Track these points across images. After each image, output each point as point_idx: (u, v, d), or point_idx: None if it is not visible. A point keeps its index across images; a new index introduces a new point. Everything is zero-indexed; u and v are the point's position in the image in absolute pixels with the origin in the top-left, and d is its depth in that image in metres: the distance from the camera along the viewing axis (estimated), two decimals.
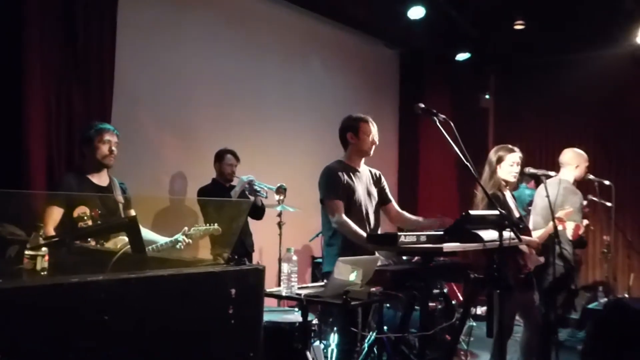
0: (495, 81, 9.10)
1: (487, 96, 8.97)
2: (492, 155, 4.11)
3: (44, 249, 2.01)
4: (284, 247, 5.43)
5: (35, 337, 1.36)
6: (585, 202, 4.89)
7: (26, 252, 1.99)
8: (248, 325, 1.80)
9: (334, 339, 4.18)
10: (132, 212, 3.71)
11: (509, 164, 4.07)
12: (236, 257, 1.84)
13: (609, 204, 5.41)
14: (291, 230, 5.64)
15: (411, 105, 7.83)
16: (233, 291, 1.74)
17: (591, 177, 4.91)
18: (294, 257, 2.86)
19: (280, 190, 5.06)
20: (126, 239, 3.39)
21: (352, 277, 2.80)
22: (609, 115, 7.87)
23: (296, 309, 3.66)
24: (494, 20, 7.28)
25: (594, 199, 5.38)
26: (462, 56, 7.57)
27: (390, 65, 8.01)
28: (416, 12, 6.46)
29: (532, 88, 8.47)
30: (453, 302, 5.34)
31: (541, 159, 7.64)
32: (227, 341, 1.75)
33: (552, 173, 4.34)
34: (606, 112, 7.88)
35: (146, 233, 3.30)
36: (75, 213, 3.27)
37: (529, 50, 7.92)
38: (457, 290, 6.01)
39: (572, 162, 4.82)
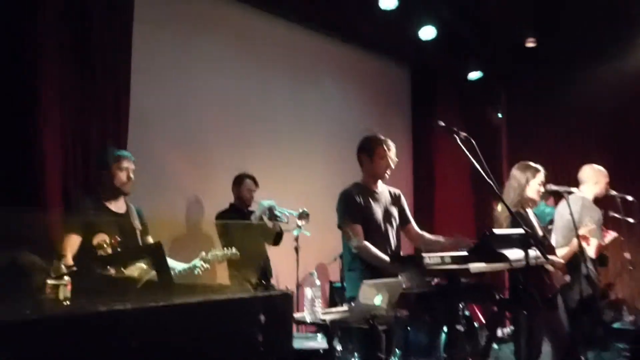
0: (507, 98, 9.04)
1: (499, 115, 8.92)
2: (519, 174, 4.02)
3: (66, 277, 1.96)
4: (301, 272, 5.37)
5: None
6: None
7: (49, 281, 1.95)
8: (278, 353, 1.74)
9: None
10: (150, 239, 3.67)
11: (537, 183, 4.00)
12: (263, 282, 1.78)
13: (631, 220, 5.30)
14: (307, 254, 5.57)
15: (424, 124, 7.90)
16: (262, 317, 1.68)
17: (613, 193, 4.81)
18: (318, 282, 2.80)
19: (303, 215, 4.96)
20: (144, 266, 3.37)
21: (377, 300, 2.73)
22: (625, 128, 7.77)
23: (318, 335, 3.58)
24: (505, 38, 7.26)
25: (616, 215, 5.28)
26: (474, 75, 7.54)
27: (402, 83, 8.00)
28: (427, 33, 6.45)
29: (544, 104, 8.39)
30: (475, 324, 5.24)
31: (556, 176, 7.51)
32: None
33: (573, 189, 4.27)
34: (621, 125, 7.78)
35: None
36: (95, 241, 3.24)
37: (540, 67, 7.88)
38: (478, 312, 5.90)
39: (591, 179, 4.74)
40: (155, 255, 1.91)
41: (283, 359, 1.76)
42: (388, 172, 3.69)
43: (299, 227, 5.13)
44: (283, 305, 1.75)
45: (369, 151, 3.67)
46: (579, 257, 4.19)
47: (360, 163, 3.74)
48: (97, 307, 1.39)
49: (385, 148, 3.66)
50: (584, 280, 4.28)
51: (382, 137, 3.71)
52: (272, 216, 4.88)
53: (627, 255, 5.49)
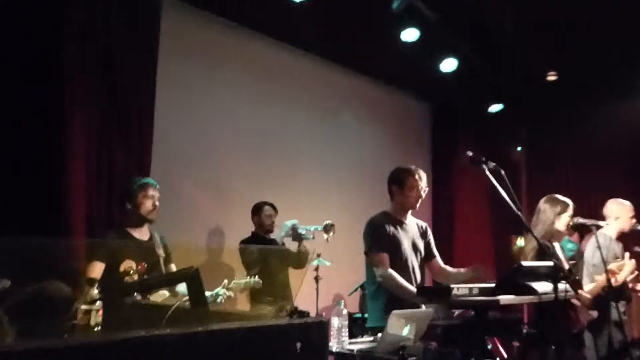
0: (527, 133, 9.01)
1: (519, 148, 8.89)
2: (550, 207, 3.99)
3: (98, 303, 1.95)
4: (320, 303, 5.32)
5: None
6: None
7: (82, 306, 1.94)
8: None
9: None
10: (173, 267, 3.66)
11: (567, 216, 3.96)
12: (299, 309, 1.76)
13: None
14: (326, 285, 5.53)
15: (444, 159, 7.88)
16: (298, 345, 1.65)
17: (639, 227, 4.74)
18: (345, 311, 2.77)
19: (328, 227, 4.86)
20: (167, 293, 3.35)
21: (406, 331, 2.69)
22: None
23: None
24: (526, 72, 7.27)
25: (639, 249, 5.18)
26: (495, 108, 7.54)
27: (422, 118, 8.03)
28: (448, 65, 6.46)
29: (565, 139, 8.34)
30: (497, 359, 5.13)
31: (576, 211, 7.45)
32: None
33: (602, 223, 4.22)
34: None
35: (184, 288, 3.25)
36: (122, 268, 3.23)
37: (561, 103, 7.85)
38: (499, 346, 5.78)
39: (612, 213, 4.69)
40: (193, 281, 1.89)
41: None
42: (419, 202, 3.68)
43: (319, 255, 5.08)
44: (319, 333, 1.72)
45: (400, 182, 3.66)
46: (607, 296, 4.11)
47: (391, 193, 3.72)
48: (137, 332, 1.37)
49: (417, 178, 3.65)
50: (613, 324, 4.19)
51: (413, 168, 3.71)
52: (296, 235, 4.85)
53: None
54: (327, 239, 4.94)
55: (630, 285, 4.82)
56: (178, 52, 5.06)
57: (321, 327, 1.74)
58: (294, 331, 1.67)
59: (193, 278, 1.90)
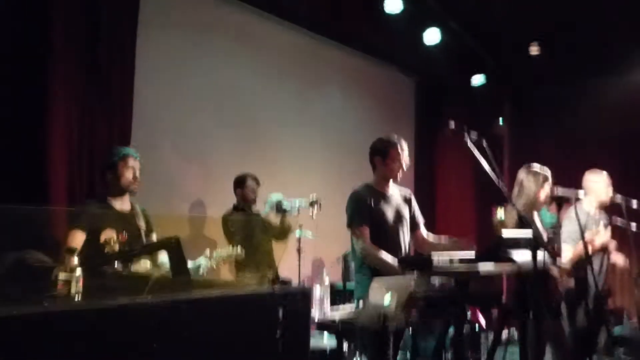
0: (510, 108, 9.05)
1: (501, 122, 8.93)
2: (532, 178, 4.01)
3: (78, 272, 1.93)
4: (303, 274, 5.34)
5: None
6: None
7: (60, 276, 1.92)
8: (296, 349, 1.72)
9: None
10: (154, 238, 3.64)
11: (549, 186, 4.00)
12: (281, 278, 1.76)
13: (634, 225, 5.28)
14: (309, 255, 5.55)
15: (427, 131, 7.89)
16: (280, 313, 1.66)
17: (618, 198, 4.79)
18: (327, 281, 2.79)
19: (314, 203, 4.77)
20: (148, 263, 3.34)
21: (387, 300, 2.71)
22: (629, 137, 7.78)
23: (325, 333, 3.56)
24: (510, 46, 7.27)
25: (619, 220, 5.25)
26: (477, 79, 7.53)
27: (406, 91, 8.01)
28: (432, 36, 6.43)
29: (548, 113, 8.41)
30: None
31: (557, 184, 7.51)
32: None
33: (581, 193, 4.26)
34: (625, 134, 7.79)
35: (166, 259, 3.24)
36: (102, 238, 3.21)
37: (544, 77, 7.89)
38: (479, 315, 5.87)
39: (588, 184, 4.75)
40: (174, 250, 1.89)
41: (301, 355, 1.73)
42: (400, 173, 3.68)
43: (301, 227, 5.08)
44: (301, 302, 1.73)
45: (382, 153, 3.66)
46: (585, 264, 4.17)
47: (373, 164, 3.72)
48: (118, 300, 1.37)
49: (399, 149, 3.64)
50: (591, 297, 4.27)
51: (396, 138, 3.70)
52: (281, 210, 4.84)
53: (627, 264, 5.45)
54: (312, 215, 4.93)
55: (612, 258, 4.91)
56: (159, 22, 4.98)
57: (303, 295, 1.75)
58: (277, 299, 1.68)
59: (174, 247, 1.89)
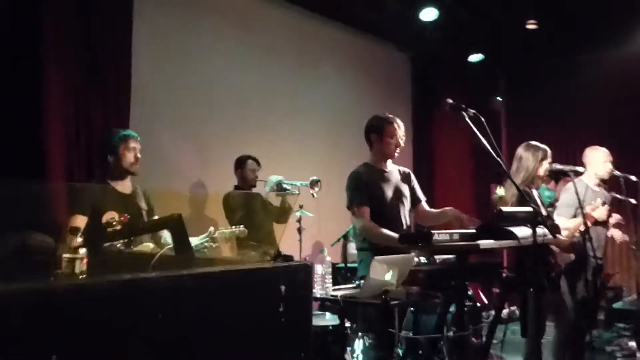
0: (507, 83, 9.05)
1: (498, 98, 8.94)
2: (531, 154, 4.02)
3: (82, 251, 1.94)
4: (303, 254, 5.37)
5: (89, 336, 1.30)
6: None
7: (64, 255, 1.93)
8: (298, 324, 1.73)
9: (359, 344, 4.09)
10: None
11: (548, 162, 4.01)
12: (283, 253, 1.77)
13: (633, 201, 5.31)
14: (309, 235, 5.57)
15: (423, 108, 7.88)
16: (283, 288, 1.67)
17: (617, 173, 4.81)
18: (328, 258, 2.81)
19: (314, 183, 4.84)
20: (151, 245, 3.36)
21: (388, 277, 2.74)
22: (625, 114, 7.79)
23: (327, 313, 3.59)
24: (506, 21, 7.23)
25: (618, 196, 5.28)
26: (475, 57, 7.52)
27: (402, 68, 7.99)
28: (428, 14, 6.41)
29: (544, 89, 8.41)
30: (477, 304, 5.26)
31: (555, 160, 7.53)
32: (279, 340, 1.68)
33: (580, 169, 4.27)
34: (621, 111, 7.80)
35: (168, 237, 3.25)
36: (104, 219, 3.21)
37: (540, 51, 7.86)
38: (480, 293, 5.92)
39: (587, 160, 4.77)
40: (176, 228, 1.89)
41: (304, 330, 1.75)
42: (397, 150, 3.68)
43: (301, 207, 5.10)
44: (303, 277, 1.74)
45: (378, 130, 3.66)
46: (585, 241, 4.20)
47: (369, 142, 3.72)
48: (122, 276, 1.38)
49: (395, 127, 3.65)
50: (590, 270, 4.30)
51: (391, 116, 3.70)
52: (281, 190, 4.86)
53: (626, 237, 5.49)
54: (312, 194, 4.94)
55: (609, 233, 4.94)
56: (155, 4, 4.96)
57: (305, 271, 1.76)
58: (279, 274, 1.69)
59: (176, 224, 1.90)
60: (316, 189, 4.83)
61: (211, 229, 3.36)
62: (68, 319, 1.28)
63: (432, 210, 3.84)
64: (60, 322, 1.26)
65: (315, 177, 4.85)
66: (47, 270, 2.04)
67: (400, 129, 3.68)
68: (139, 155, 3.53)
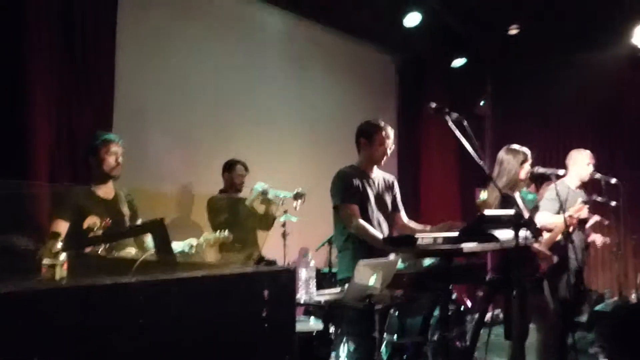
0: (492, 87, 9.11)
1: (482, 102, 9.00)
2: (512, 157, 4.05)
3: (62, 257, 1.93)
4: (288, 258, 5.35)
5: (69, 341, 1.28)
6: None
7: (44, 260, 1.91)
8: (282, 329, 1.73)
9: (343, 349, 4.08)
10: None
11: (528, 165, 4.05)
12: (266, 258, 1.77)
13: (614, 203, 5.37)
14: (293, 240, 5.56)
15: (409, 112, 7.90)
16: (266, 293, 1.67)
17: (598, 175, 4.87)
18: (312, 263, 2.80)
19: (299, 196, 4.85)
20: (133, 251, 3.33)
21: (372, 280, 2.74)
22: (608, 117, 7.88)
23: (311, 318, 3.58)
24: (489, 26, 7.29)
25: (599, 198, 5.34)
26: (458, 62, 7.57)
27: (388, 72, 8.00)
28: (412, 19, 6.44)
29: (529, 92, 8.49)
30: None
31: (539, 163, 7.60)
32: (262, 345, 1.67)
33: (561, 172, 4.32)
34: (605, 114, 7.89)
35: (151, 242, 3.24)
36: (86, 224, 3.19)
37: (524, 55, 7.93)
38: (464, 296, 5.95)
39: (570, 161, 4.83)
40: (158, 232, 1.88)
41: (287, 336, 1.75)
42: (385, 158, 3.70)
43: (286, 211, 5.11)
44: (286, 281, 1.74)
45: (369, 136, 3.67)
46: (567, 243, 4.25)
47: (358, 147, 3.74)
48: (102, 280, 1.37)
49: (385, 135, 3.66)
50: (572, 272, 4.35)
51: (383, 123, 3.72)
52: (266, 200, 4.86)
53: (607, 240, 5.56)
54: (295, 206, 4.95)
55: (590, 238, 5.00)
56: (139, 3, 4.93)
57: (288, 275, 1.75)
58: (262, 279, 1.68)
59: (158, 228, 1.89)
60: (299, 201, 4.84)
61: (193, 242, 3.33)
62: (48, 322, 1.27)
63: (410, 223, 3.83)
64: (41, 326, 1.25)
65: (300, 190, 4.85)
66: (27, 275, 2.02)
67: (390, 137, 3.70)
68: (120, 159, 3.50)
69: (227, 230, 3.59)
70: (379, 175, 3.77)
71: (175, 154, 5.23)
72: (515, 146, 4.14)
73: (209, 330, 1.55)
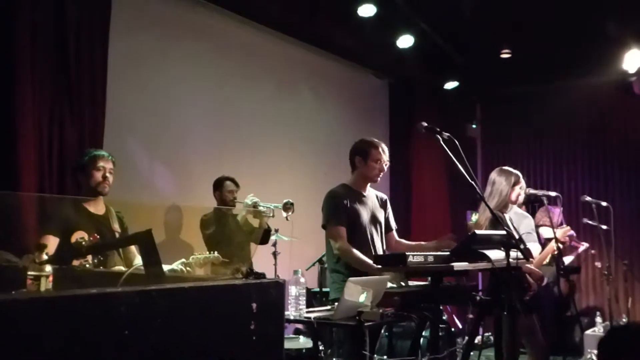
0: (482, 110, 9.19)
1: (474, 125, 9.06)
2: (504, 179, 4.08)
3: (48, 269, 1.90)
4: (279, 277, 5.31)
5: (53, 351, 1.26)
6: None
7: (30, 272, 1.89)
8: (270, 343, 1.70)
9: None
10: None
11: (519, 187, 4.07)
12: (255, 271, 1.75)
13: (604, 227, 5.39)
14: (284, 259, 5.52)
15: (401, 134, 7.94)
16: (254, 305, 1.65)
17: (589, 199, 4.90)
18: (302, 279, 2.78)
19: (288, 206, 4.84)
20: (122, 268, 3.30)
21: (362, 298, 2.72)
22: (598, 140, 7.95)
23: (300, 337, 3.55)
24: (481, 49, 7.37)
25: (590, 222, 5.36)
26: (450, 85, 7.64)
27: (380, 94, 8.05)
28: (405, 41, 6.50)
29: (519, 116, 8.56)
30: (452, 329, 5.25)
31: (529, 186, 7.64)
32: (250, 359, 1.65)
33: (552, 193, 4.34)
34: (593, 138, 7.96)
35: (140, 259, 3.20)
36: (73, 238, 3.16)
37: (515, 79, 8.01)
38: (455, 318, 5.92)
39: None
40: (145, 243, 1.86)
41: (276, 349, 1.72)
42: (381, 175, 3.70)
43: (277, 231, 5.08)
44: (275, 294, 1.72)
45: (364, 153, 3.67)
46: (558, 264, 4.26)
47: (352, 165, 3.74)
48: (87, 291, 1.35)
49: (381, 151, 3.67)
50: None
51: (377, 141, 3.73)
52: (257, 213, 4.84)
53: (598, 264, 5.57)
54: (286, 217, 4.92)
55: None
56: (131, 23, 4.94)
57: (277, 288, 1.74)
58: (250, 291, 1.66)
59: (146, 240, 1.87)
60: (290, 212, 4.82)
61: (182, 260, 3.30)
62: (31, 332, 1.24)
63: (402, 241, 3.84)
64: (23, 336, 1.23)
65: (288, 200, 4.84)
66: (12, 288, 1.99)
67: (385, 154, 3.70)
68: (107, 174, 3.47)
69: (216, 252, 3.56)
70: (371, 194, 3.77)
71: (166, 173, 5.22)
72: (508, 168, 4.18)
73: (195, 342, 1.52)
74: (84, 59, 4.34)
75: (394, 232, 3.88)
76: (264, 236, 5.01)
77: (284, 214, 4.85)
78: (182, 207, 5.33)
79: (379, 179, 3.72)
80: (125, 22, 4.77)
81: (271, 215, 4.89)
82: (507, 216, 4.17)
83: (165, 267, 3.48)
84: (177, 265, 3.60)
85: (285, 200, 4.84)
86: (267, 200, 4.98)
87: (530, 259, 3.91)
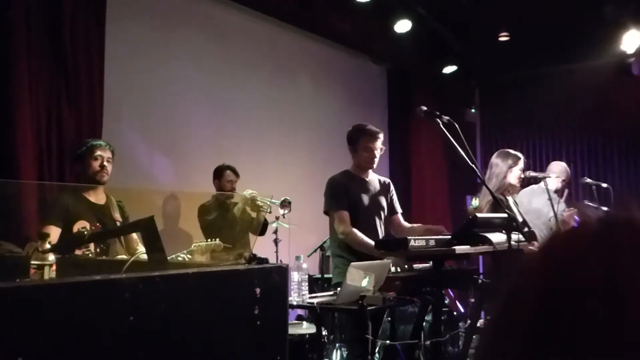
0: (481, 94, 9.16)
1: (472, 110, 9.03)
2: (502, 161, 4.07)
3: (51, 258, 1.90)
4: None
5: (57, 338, 1.26)
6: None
7: (33, 261, 1.89)
8: (274, 327, 1.71)
9: (336, 355, 4.06)
10: (134, 234, 3.59)
11: (519, 169, 4.05)
12: (257, 256, 1.75)
13: (605, 209, 5.38)
14: (285, 246, 5.53)
15: (399, 119, 7.92)
16: (258, 290, 1.65)
17: (589, 181, 4.89)
18: (304, 265, 2.78)
19: (285, 204, 4.87)
20: (124, 257, 3.30)
21: (365, 283, 2.72)
22: (598, 123, 7.94)
23: (304, 323, 3.56)
24: (479, 34, 7.33)
25: (591, 204, 5.36)
26: (449, 69, 7.61)
27: (378, 80, 8.02)
28: (402, 26, 6.47)
29: (518, 100, 8.52)
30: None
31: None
32: (254, 343, 1.65)
33: (551, 175, 4.33)
34: (594, 120, 7.95)
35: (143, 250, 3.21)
36: (75, 228, 3.16)
37: (513, 63, 7.97)
38: (457, 302, 5.93)
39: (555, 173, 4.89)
40: (148, 230, 1.86)
41: (280, 334, 1.73)
42: (375, 161, 3.68)
43: (278, 218, 5.09)
44: (279, 279, 1.72)
45: (352, 142, 3.67)
46: None
47: (350, 152, 3.73)
48: (91, 277, 1.35)
49: (370, 138, 3.64)
50: None
51: (368, 127, 3.71)
52: (255, 206, 4.84)
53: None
54: (282, 214, 4.94)
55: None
56: (128, 11, 4.92)
57: (281, 273, 1.74)
58: (253, 276, 1.66)
59: (148, 227, 1.87)
60: (286, 210, 4.83)
61: (184, 252, 3.30)
62: (35, 320, 1.24)
63: (407, 224, 3.84)
64: (27, 324, 1.23)
65: (286, 198, 4.85)
66: (15, 277, 1.99)
67: (378, 140, 3.67)
68: (105, 163, 3.45)
69: (217, 239, 3.57)
70: (374, 179, 3.77)
71: (165, 162, 5.21)
72: (508, 150, 4.16)
73: (199, 328, 1.53)
74: (80, 48, 4.32)
75: (399, 215, 3.87)
76: (262, 229, 5.02)
77: (281, 211, 4.88)
78: (179, 193, 5.31)
79: (374, 165, 3.71)
80: (121, 10, 4.75)
81: (269, 210, 4.91)
82: (510, 199, 4.16)
83: (168, 257, 3.50)
84: (180, 254, 3.61)
85: (283, 198, 4.85)
86: (266, 188, 4.98)
87: (533, 242, 3.92)
